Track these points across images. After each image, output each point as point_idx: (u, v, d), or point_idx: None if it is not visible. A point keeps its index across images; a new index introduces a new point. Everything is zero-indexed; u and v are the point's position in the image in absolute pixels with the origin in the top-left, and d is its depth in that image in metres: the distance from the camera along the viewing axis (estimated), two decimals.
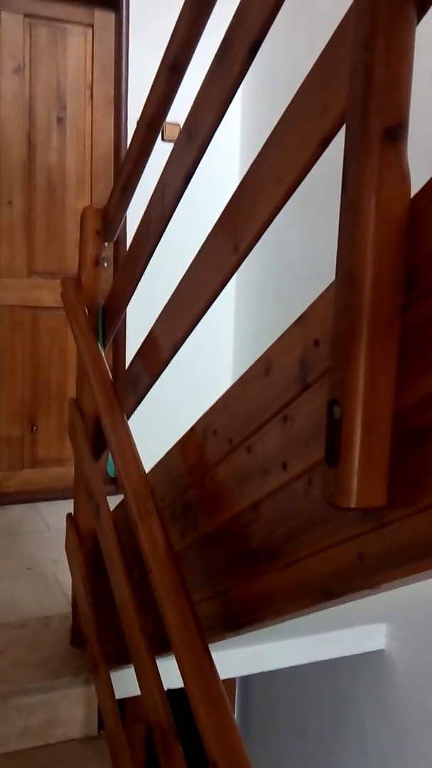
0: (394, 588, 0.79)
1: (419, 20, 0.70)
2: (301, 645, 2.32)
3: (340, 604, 0.89)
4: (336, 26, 0.86)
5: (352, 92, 0.71)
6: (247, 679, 3.61)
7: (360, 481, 0.71)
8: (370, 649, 2.49)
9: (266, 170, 0.98)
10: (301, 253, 2.94)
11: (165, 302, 1.36)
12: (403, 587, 0.81)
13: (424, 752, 2.34)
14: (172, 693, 1.25)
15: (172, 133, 3.12)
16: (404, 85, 0.69)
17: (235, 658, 2.20)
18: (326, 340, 0.84)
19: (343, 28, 0.83)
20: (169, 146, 1.44)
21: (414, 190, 0.70)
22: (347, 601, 0.87)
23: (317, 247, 2.81)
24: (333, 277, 0.82)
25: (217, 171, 3.13)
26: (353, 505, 0.71)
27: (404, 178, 0.69)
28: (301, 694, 3.11)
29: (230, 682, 3.59)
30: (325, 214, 2.66)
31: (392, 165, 0.69)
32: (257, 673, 2.54)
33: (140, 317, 2.22)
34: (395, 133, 0.69)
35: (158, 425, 2.47)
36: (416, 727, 2.38)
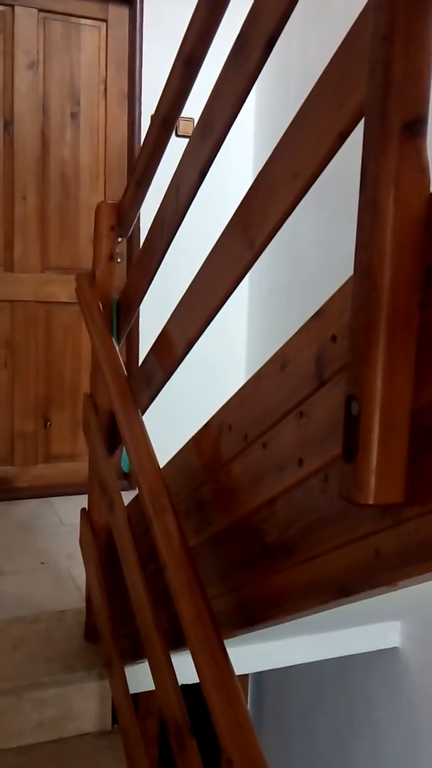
0: (412, 585, 0.78)
1: None
2: (315, 642, 2.32)
3: (356, 601, 0.89)
4: (350, 22, 0.85)
5: (370, 86, 0.70)
6: (260, 676, 3.61)
7: (378, 477, 0.70)
8: (385, 647, 2.48)
9: (282, 166, 0.98)
10: (314, 248, 2.93)
11: (178, 298, 1.36)
12: (418, 585, 0.81)
13: None
14: (185, 688, 1.25)
15: (186, 128, 3.12)
16: (423, 78, 0.68)
17: (248, 655, 2.19)
18: (343, 335, 0.84)
19: (360, 22, 0.83)
20: (183, 141, 1.43)
21: None
22: (363, 598, 0.86)
23: (330, 243, 2.80)
24: (346, 273, 0.82)
25: (230, 167, 3.11)
26: (371, 501, 0.71)
27: (423, 172, 0.69)
28: (315, 692, 3.10)
29: (243, 678, 3.59)
30: (339, 209, 2.64)
31: (411, 160, 0.68)
32: (270, 670, 2.54)
33: (153, 313, 2.22)
34: (414, 127, 0.68)
35: (170, 421, 2.47)
36: (429, 725, 2.37)
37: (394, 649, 2.50)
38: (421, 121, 0.68)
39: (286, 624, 1.12)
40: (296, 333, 0.96)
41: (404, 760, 2.50)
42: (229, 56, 1.12)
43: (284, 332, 1.01)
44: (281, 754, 3.33)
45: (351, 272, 0.80)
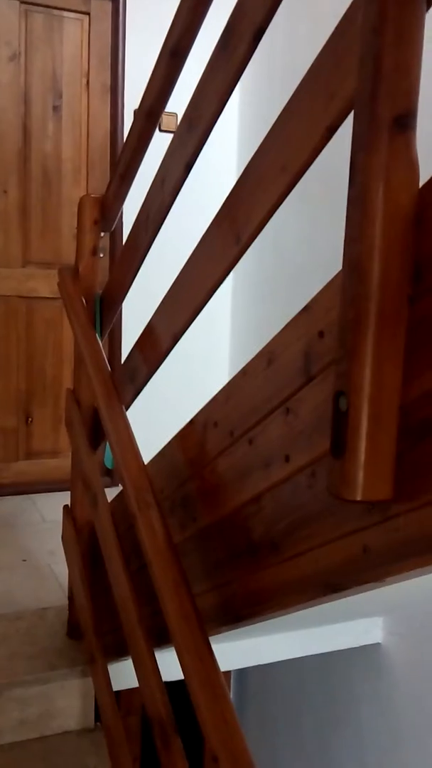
0: (400, 581, 0.78)
1: (429, 7, 0.69)
2: (298, 638, 2.32)
3: (343, 598, 0.88)
4: (336, 14, 0.85)
5: (360, 80, 0.70)
6: (242, 673, 3.61)
7: (366, 473, 0.70)
8: (367, 643, 2.49)
9: (270, 159, 0.97)
10: (299, 244, 2.93)
11: (160, 293, 1.35)
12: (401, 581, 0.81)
13: (419, 745, 2.35)
14: (166, 685, 1.25)
15: (169, 123, 3.11)
16: (413, 72, 0.68)
17: (231, 652, 2.19)
18: (331, 331, 0.83)
19: (350, 14, 0.82)
20: (165, 136, 1.42)
21: (422, 179, 0.69)
22: (351, 595, 0.86)
23: (314, 239, 2.80)
24: (331, 268, 0.82)
25: (213, 162, 3.11)
26: (359, 497, 0.70)
27: (413, 167, 0.69)
28: (298, 688, 3.11)
29: (226, 675, 3.59)
30: (323, 205, 2.64)
31: (401, 154, 0.68)
32: (253, 666, 2.55)
33: (136, 308, 2.20)
34: (404, 121, 0.68)
35: (152, 417, 2.46)
36: (412, 721, 2.38)
37: (377, 644, 2.51)
38: (411, 115, 0.68)
39: (269, 620, 1.11)
40: (283, 329, 0.95)
41: (386, 754, 2.52)
42: (215, 48, 1.11)
43: (268, 328, 1.00)
44: (265, 750, 3.34)
45: (336, 268, 0.80)
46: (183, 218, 2.30)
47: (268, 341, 0.99)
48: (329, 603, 0.95)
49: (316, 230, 2.78)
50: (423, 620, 2.34)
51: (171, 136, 1.33)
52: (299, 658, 2.45)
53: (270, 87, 3.07)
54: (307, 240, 2.86)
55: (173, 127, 3.05)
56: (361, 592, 0.85)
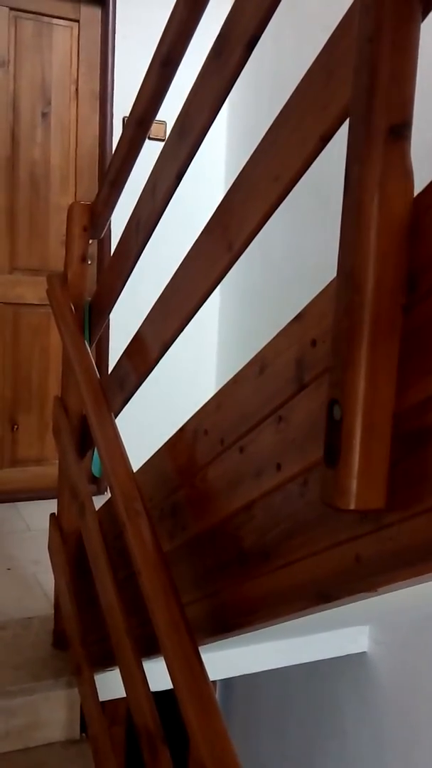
0: (392, 591, 0.78)
1: (424, 17, 0.70)
2: (284, 648, 2.32)
3: (335, 607, 0.88)
4: (326, 23, 0.85)
5: (355, 89, 0.70)
6: (228, 682, 3.59)
7: (359, 482, 0.70)
8: (353, 652, 2.49)
9: (262, 168, 0.97)
10: (287, 253, 2.93)
11: (148, 301, 1.34)
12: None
13: (404, 754, 2.35)
14: (154, 695, 1.23)
15: (157, 131, 3.10)
16: (409, 82, 0.68)
17: (217, 661, 2.18)
18: (324, 339, 0.83)
19: (345, 23, 0.82)
20: (154, 144, 1.42)
21: (417, 189, 0.69)
22: (343, 604, 0.86)
23: (302, 248, 2.81)
24: (319, 278, 0.82)
25: (201, 170, 3.11)
26: (352, 506, 0.70)
27: (408, 177, 0.69)
28: (283, 697, 3.10)
29: (212, 684, 3.57)
30: (311, 214, 2.65)
31: (396, 164, 0.68)
32: (239, 676, 2.53)
33: (124, 316, 2.20)
34: (399, 131, 0.68)
35: (138, 425, 2.45)
36: (397, 730, 2.38)
37: (363, 653, 2.50)
38: (407, 125, 0.68)
39: (257, 630, 1.11)
40: (275, 336, 0.95)
41: (371, 762, 2.51)
42: (207, 57, 1.11)
43: (257, 337, 1.00)
44: (250, 760, 3.32)
45: (324, 277, 0.80)
46: (169, 225, 2.29)
47: (257, 350, 0.99)
48: (317, 613, 0.94)
49: (304, 240, 2.78)
50: (409, 629, 2.34)
51: (159, 143, 1.33)
52: (285, 667, 2.44)
53: (258, 96, 3.08)
54: (295, 249, 2.86)
55: (162, 135, 3.05)
56: (353, 601, 0.85)
